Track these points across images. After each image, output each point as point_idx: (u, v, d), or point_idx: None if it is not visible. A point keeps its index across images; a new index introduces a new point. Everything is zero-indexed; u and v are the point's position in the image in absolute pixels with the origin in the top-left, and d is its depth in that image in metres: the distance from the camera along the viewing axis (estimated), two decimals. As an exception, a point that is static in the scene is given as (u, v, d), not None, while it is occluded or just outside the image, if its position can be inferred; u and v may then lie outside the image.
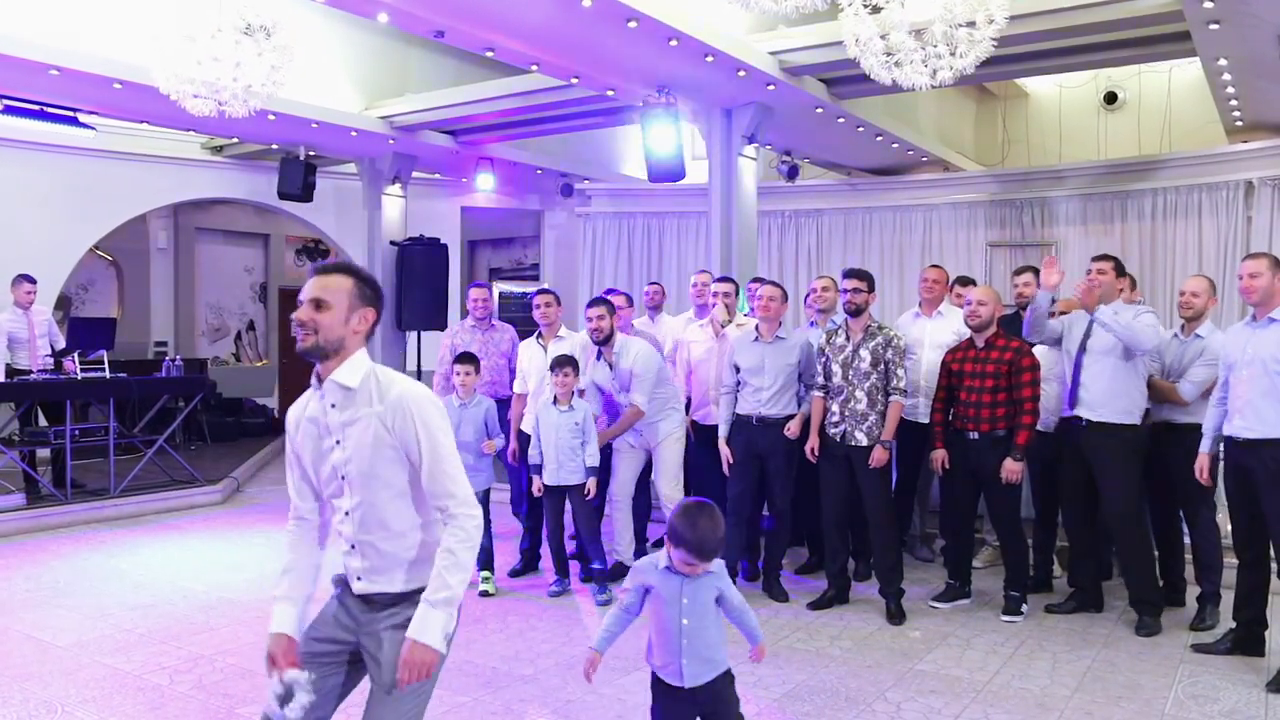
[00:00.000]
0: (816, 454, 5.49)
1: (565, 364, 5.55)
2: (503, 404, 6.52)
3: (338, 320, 2.44)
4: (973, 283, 7.05)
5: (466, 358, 5.72)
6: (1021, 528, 5.55)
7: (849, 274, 5.49)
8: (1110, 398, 5.11)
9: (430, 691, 2.51)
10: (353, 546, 2.51)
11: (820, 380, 5.51)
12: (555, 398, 5.56)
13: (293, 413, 2.59)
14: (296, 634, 2.56)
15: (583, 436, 5.55)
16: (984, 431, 5.30)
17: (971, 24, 5.18)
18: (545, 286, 6.55)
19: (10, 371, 8.27)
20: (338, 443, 2.47)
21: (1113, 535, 5.42)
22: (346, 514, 2.49)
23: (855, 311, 5.40)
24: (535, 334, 6.29)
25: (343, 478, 2.47)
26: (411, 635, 2.37)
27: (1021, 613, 5.34)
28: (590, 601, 5.68)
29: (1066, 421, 5.34)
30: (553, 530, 5.79)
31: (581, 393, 5.76)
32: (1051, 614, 5.41)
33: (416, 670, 2.36)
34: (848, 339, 5.43)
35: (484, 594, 5.72)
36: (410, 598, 2.49)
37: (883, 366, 5.33)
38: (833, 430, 5.44)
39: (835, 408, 5.42)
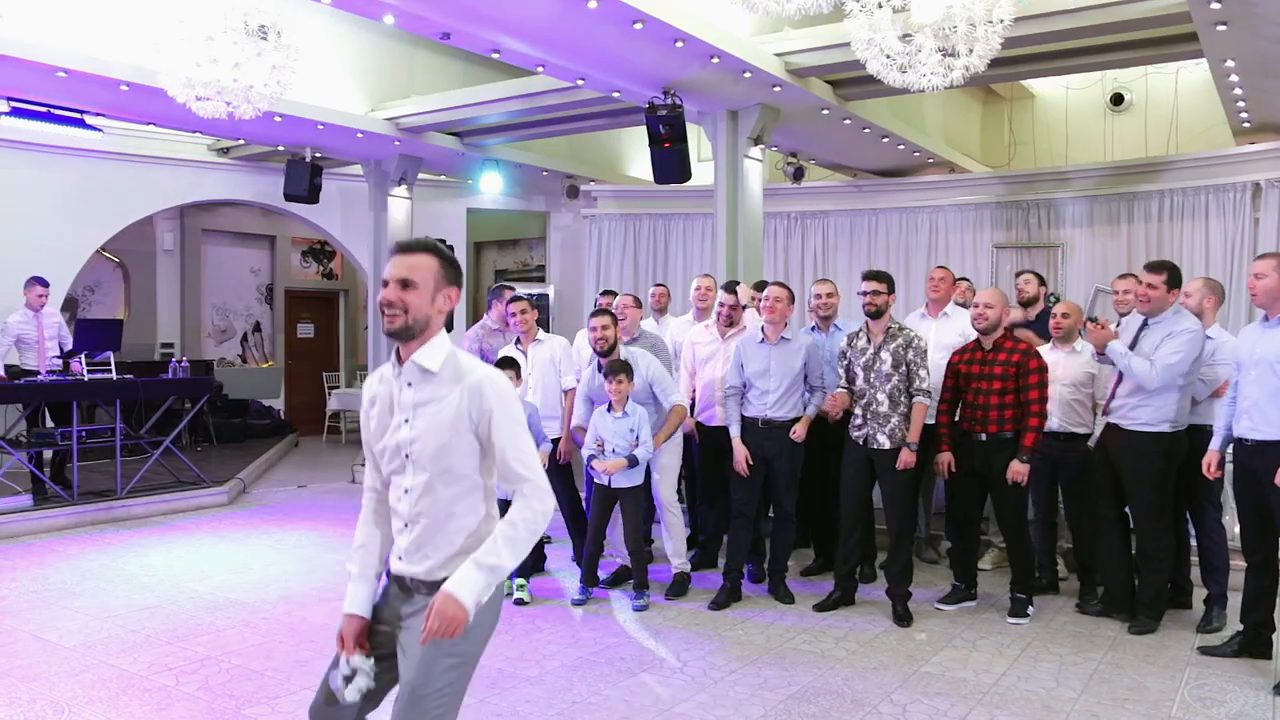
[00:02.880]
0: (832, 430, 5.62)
1: (618, 371, 5.51)
2: None
3: (425, 300, 2.42)
4: (968, 281, 7.09)
5: (508, 362, 5.67)
6: (1028, 530, 5.55)
7: (869, 275, 5.44)
8: (1142, 409, 5.07)
9: (457, 701, 2.45)
10: (405, 525, 2.51)
11: (843, 382, 5.52)
12: (610, 405, 5.55)
13: (368, 388, 2.59)
14: (367, 613, 2.56)
15: (637, 441, 5.53)
16: (992, 433, 5.30)
17: (987, 21, 5.18)
18: (518, 293, 6.49)
19: (17, 373, 8.30)
20: (406, 421, 2.47)
21: (1138, 537, 5.34)
22: (406, 491, 2.49)
23: (876, 314, 5.37)
24: (515, 341, 6.23)
25: (406, 456, 2.47)
26: (447, 588, 2.34)
27: (1028, 615, 5.34)
28: (612, 607, 5.69)
29: (1109, 427, 5.32)
30: (594, 534, 5.73)
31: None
32: (1086, 615, 5.43)
33: (442, 622, 2.30)
34: (869, 341, 5.40)
35: (519, 602, 5.64)
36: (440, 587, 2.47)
37: (904, 368, 5.31)
38: (855, 433, 5.43)
39: (858, 410, 5.41)
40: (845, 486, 5.52)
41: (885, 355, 5.31)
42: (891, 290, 5.42)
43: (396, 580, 2.57)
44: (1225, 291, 5.57)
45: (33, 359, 8.54)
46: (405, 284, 2.40)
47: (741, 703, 4.19)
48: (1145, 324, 5.15)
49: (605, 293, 7.25)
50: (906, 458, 5.26)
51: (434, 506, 2.47)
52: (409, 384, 2.46)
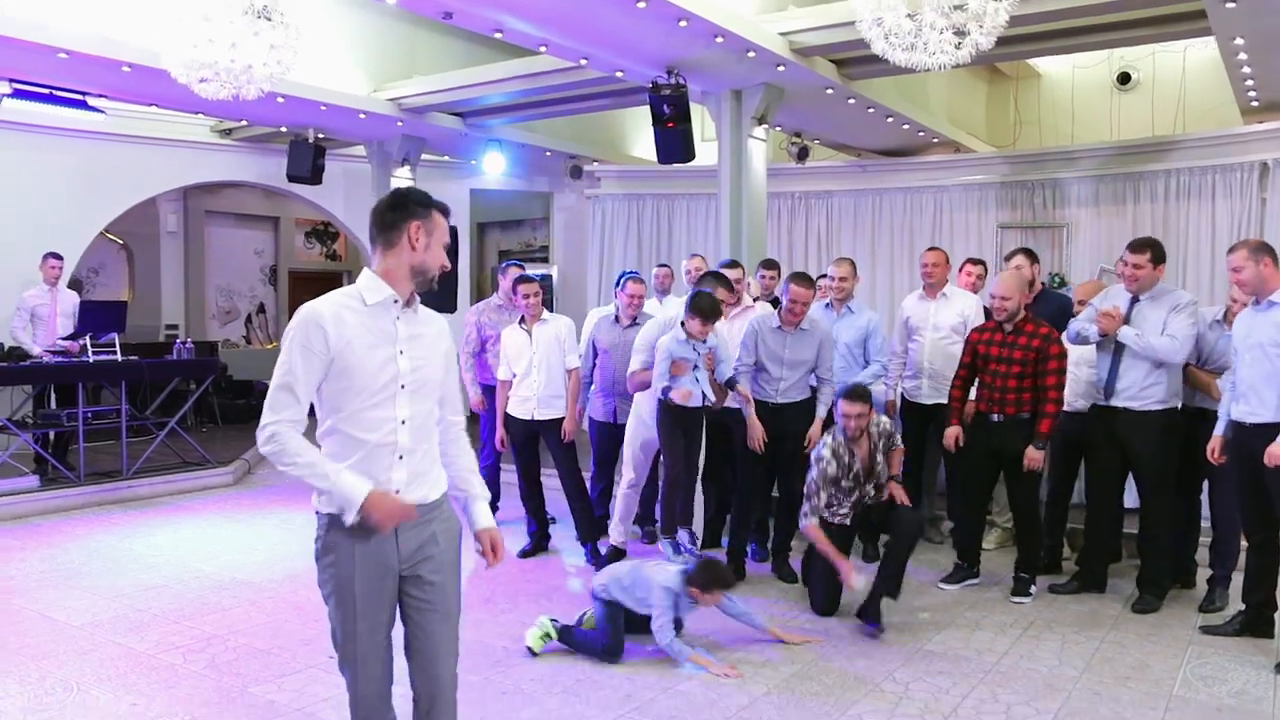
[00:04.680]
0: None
1: (703, 311, 5.16)
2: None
3: None
4: (983, 262, 7.03)
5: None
6: (1039, 512, 5.55)
7: (852, 396, 5.01)
8: (1149, 390, 5.09)
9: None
10: (402, 456, 2.60)
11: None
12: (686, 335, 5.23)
13: (325, 314, 2.52)
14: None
15: (717, 362, 5.35)
16: (1009, 415, 5.29)
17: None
18: (527, 274, 6.48)
19: (21, 355, 8.34)
20: (401, 353, 2.59)
21: (1143, 517, 5.34)
22: (402, 422, 2.59)
23: (858, 436, 5.05)
24: (519, 320, 6.19)
25: (402, 386, 2.59)
26: (488, 523, 2.84)
27: (1030, 594, 5.36)
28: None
29: (1102, 409, 5.30)
30: (677, 467, 5.40)
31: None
32: (1057, 594, 5.44)
33: (501, 549, 2.84)
34: (853, 455, 5.06)
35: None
36: (440, 504, 2.72)
37: (882, 456, 5.12)
38: (837, 519, 5.13)
39: (845, 507, 5.12)
40: (819, 576, 5.20)
41: (879, 459, 5.11)
42: (870, 408, 5.06)
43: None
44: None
45: (42, 335, 8.60)
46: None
47: (745, 681, 4.21)
48: (1135, 301, 5.16)
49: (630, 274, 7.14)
50: (899, 492, 5.12)
51: (429, 433, 2.70)
52: (397, 319, 2.61)
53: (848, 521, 5.15)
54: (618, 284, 6.48)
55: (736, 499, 5.88)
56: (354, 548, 2.56)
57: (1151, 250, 5.12)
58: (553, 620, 4.62)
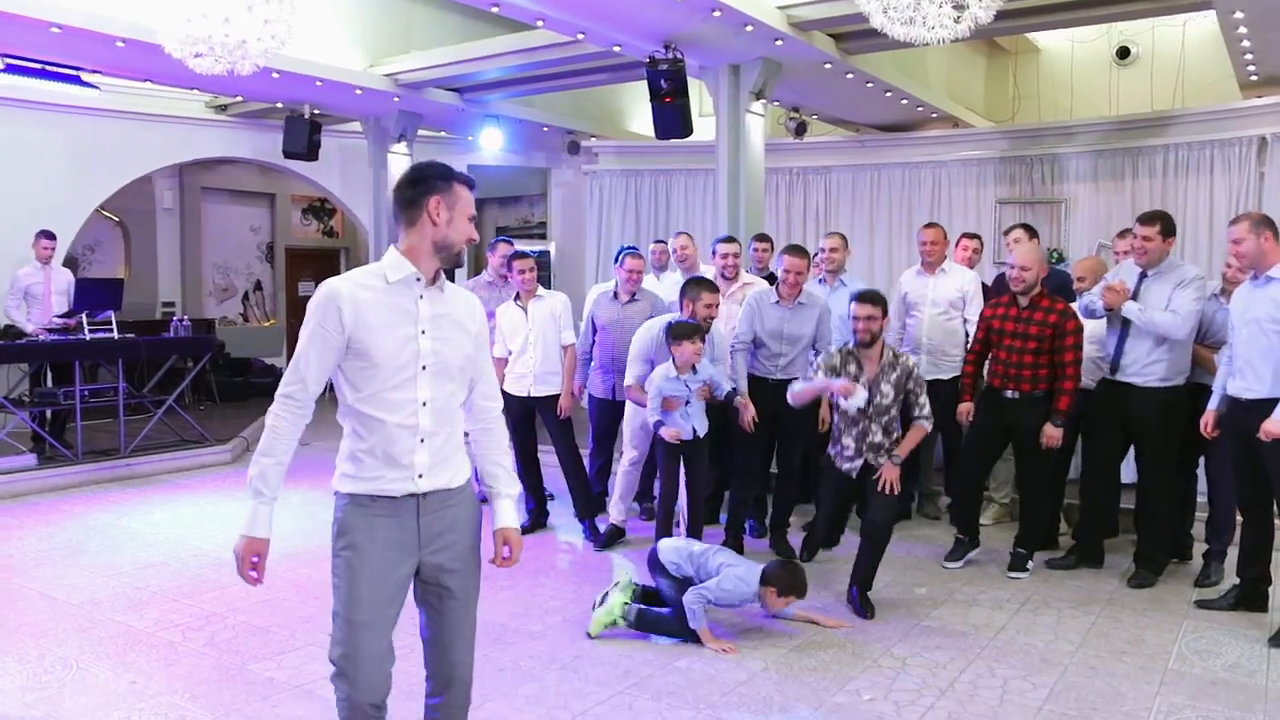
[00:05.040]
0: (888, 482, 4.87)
1: (685, 335, 5.10)
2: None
3: None
4: (978, 237, 7.00)
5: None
6: (1047, 490, 5.52)
7: (863, 298, 4.87)
8: (1155, 366, 5.07)
9: None
10: (423, 440, 2.54)
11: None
12: (676, 370, 5.18)
13: (343, 293, 2.48)
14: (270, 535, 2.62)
15: (713, 389, 5.27)
16: (1024, 391, 5.21)
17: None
18: (522, 250, 6.45)
19: (17, 333, 8.32)
20: (423, 332, 2.53)
21: (1142, 493, 5.35)
22: (424, 404, 2.54)
23: (870, 341, 4.86)
24: (514, 296, 6.16)
25: (424, 367, 2.53)
26: (505, 525, 2.74)
27: (1027, 569, 5.37)
28: (594, 554, 5.73)
29: (1110, 385, 5.27)
30: (669, 496, 5.36)
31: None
32: (1054, 569, 5.45)
33: (520, 550, 2.79)
34: (860, 367, 4.87)
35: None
36: (463, 491, 2.65)
37: (904, 398, 4.89)
38: (846, 465, 4.97)
39: (848, 442, 4.93)
40: (829, 499, 5.19)
41: (885, 388, 4.83)
42: (885, 313, 4.91)
43: (415, 500, 2.55)
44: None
45: (37, 314, 8.57)
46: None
47: (743, 656, 4.23)
48: (1143, 276, 5.13)
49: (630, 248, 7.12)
50: (889, 473, 4.80)
51: (452, 416, 2.62)
52: (420, 296, 2.55)
53: (854, 471, 4.92)
54: (616, 259, 6.46)
55: (735, 476, 5.89)
56: (374, 530, 2.51)
57: (1161, 222, 5.07)
58: (626, 604, 4.49)
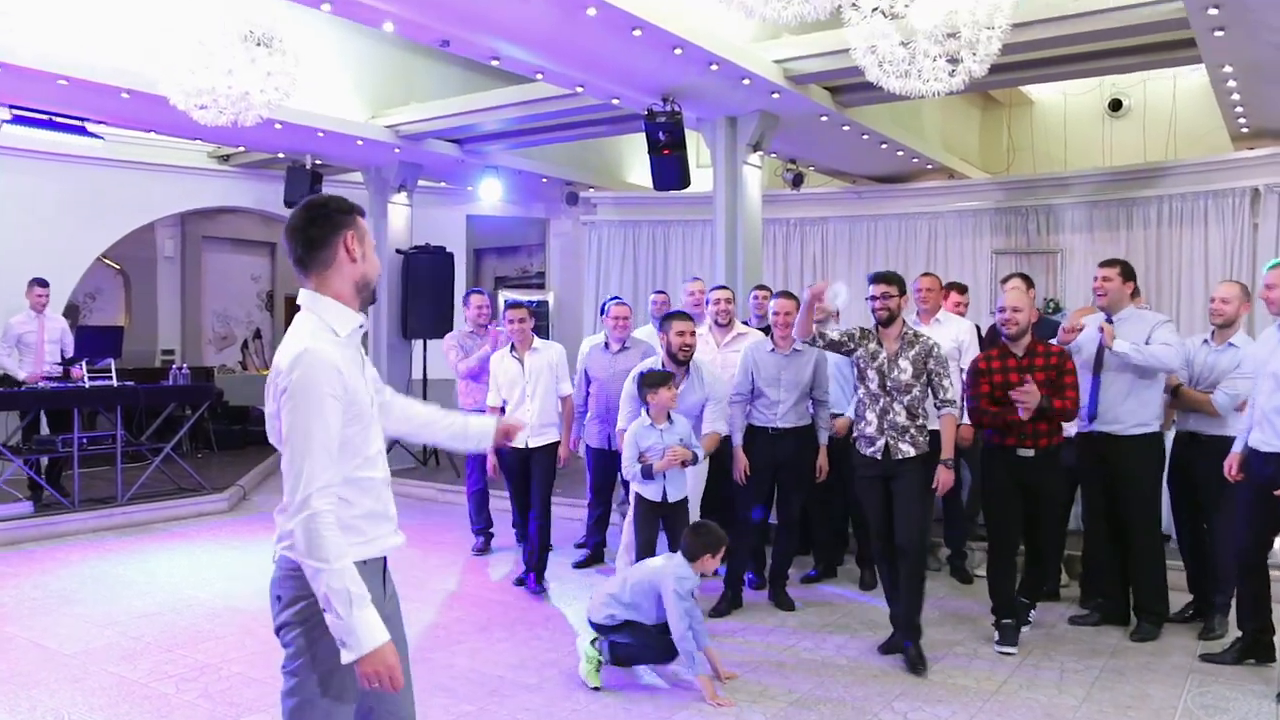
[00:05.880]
0: (942, 486, 4.86)
1: (657, 383, 5.08)
2: None
3: None
4: (965, 289, 7.02)
5: (664, 378, 5.20)
6: (1062, 545, 5.39)
7: (879, 277, 4.88)
8: (1130, 412, 5.08)
9: None
10: (386, 487, 2.43)
11: (856, 388, 5.02)
12: (650, 420, 5.11)
13: (330, 353, 2.26)
14: None
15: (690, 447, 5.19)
16: (1042, 447, 4.89)
17: (987, 27, 5.17)
18: (516, 299, 6.47)
19: (10, 382, 8.30)
20: (377, 390, 2.42)
21: (1130, 542, 5.26)
22: (379, 453, 2.42)
23: (888, 320, 4.83)
24: (509, 347, 6.12)
25: (374, 416, 2.41)
26: (489, 423, 2.85)
27: (1029, 623, 5.27)
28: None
29: (1087, 436, 5.26)
30: (643, 555, 5.17)
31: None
32: (1077, 625, 5.34)
33: (515, 431, 3.01)
34: (880, 345, 4.87)
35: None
36: None
37: (925, 378, 4.82)
38: (868, 448, 4.86)
39: (870, 417, 4.85)
40: (873, 516, 4.95)
41: (904, 364, 4.78)
42: (903, 291, 4.90)
43: (383, 560, 2.43)
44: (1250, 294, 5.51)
45: (30, 362, 8.53)
46: None
47: (742, 710, 4.17)
48: (1109, 321, 5.16)
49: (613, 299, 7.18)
50: (946, 477, 4.78)
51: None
52: (359, 342, 2.44)
53: (878, 454, 4.80)
54: (602, 311, 6.51)
55: (732, 527, 5.83)
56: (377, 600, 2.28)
57: (1120, 265, 5.21)
58: (593, 642, 4.50)
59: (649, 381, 5.12)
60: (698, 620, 4.43)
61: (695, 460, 5.15)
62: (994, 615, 5.04)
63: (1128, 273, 5.22)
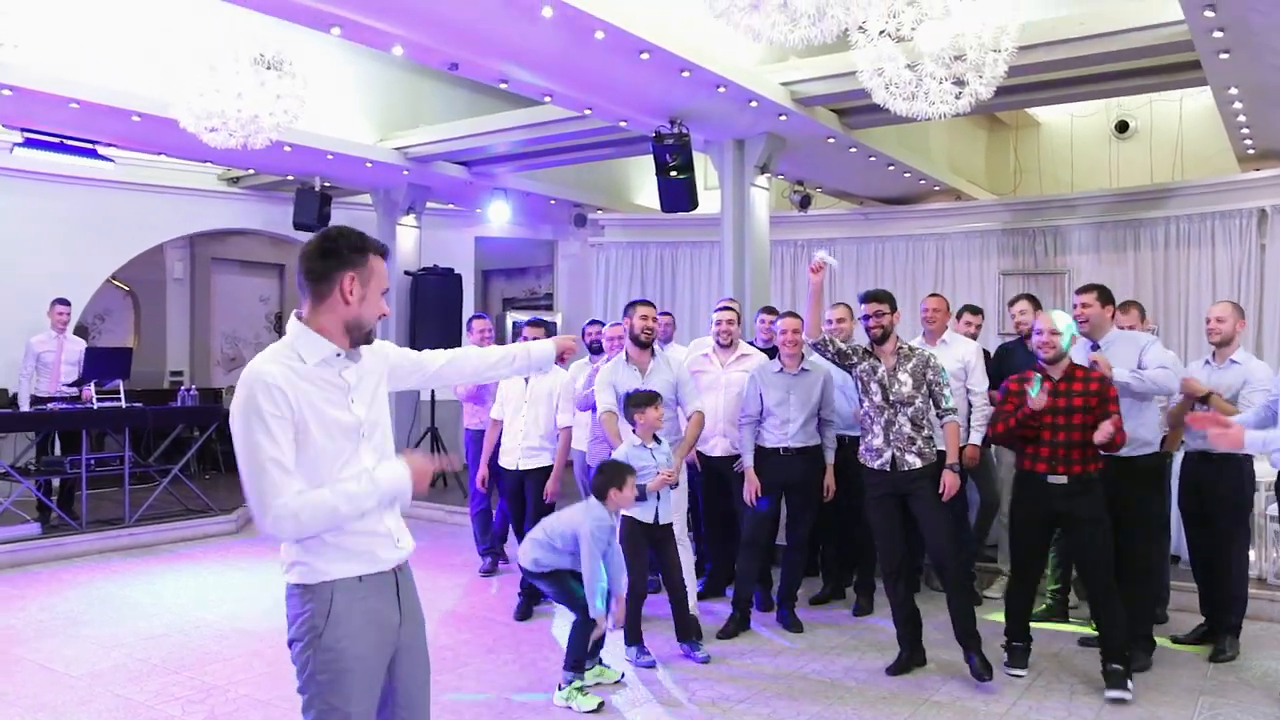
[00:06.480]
0: (948, 491, 4.86)
1: (644, 403, 5.10)
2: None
3: None
4: (980, 311, 6.99)
5: (649, 398, 5.22)
6: (1115, 582, 4.69)
7: (870, 296, 4.99)
8: (1131, 434, 5.04)
9: None
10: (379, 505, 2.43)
11: (858, 404, 5.10)
12: (640, 440, 5.12)
13: (278, 375, 2.27)
14: None
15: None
16: (1075, 474, 4.65)
17: (994, 50, 5.20)
18: (536, 318, 6.56)
19: (31, 401, 8.35)
20: (353, 401, 2.41)
21: (1143, 570, 5.12)
22: (373, 470, 2.43)
23: (882, 337, 4.93)
24: None
25: (362, 435, 2.41)
26: (550, 345, 3.00)
27: (1128, 689, 4.52)
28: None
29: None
30: (639, 582, 5.16)
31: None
32: (1086, 647, 5.24)
33: (573, 344, 3.11)
34: (879, 360, 4.93)
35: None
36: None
37: (925, 389, 4.90)
38: (876, 461, 4.90)
39: (876, 430, 4.90)
40: (882, 535, 4.94)
41: (903, 377, 4.87)
42: (894, 309, 4.98)
43: (393, 575, 2.47)
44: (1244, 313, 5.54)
45: (46, 382, 8.63)
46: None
47: (750, 733, 4.15)
48: (1095, 348, 5.11)
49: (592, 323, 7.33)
50: (951, 481, 4.83)
51: None
52: (344, 370, 2.41)
53: (888, 466, 4.83)
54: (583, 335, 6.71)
55: (740, 549, 5.82)
56: (362, 616, 2.35)
57: (1098, 290, 5.21)
58: (564, 683, 4.50)
59: (636, 401, 5.14)
60: (617, 566, 4.64)
61: (675, 485, 5.24)
62: (1005, 637, 4.99)
63: (1105, 296, 5.22)
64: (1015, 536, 5.04)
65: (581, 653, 4.55)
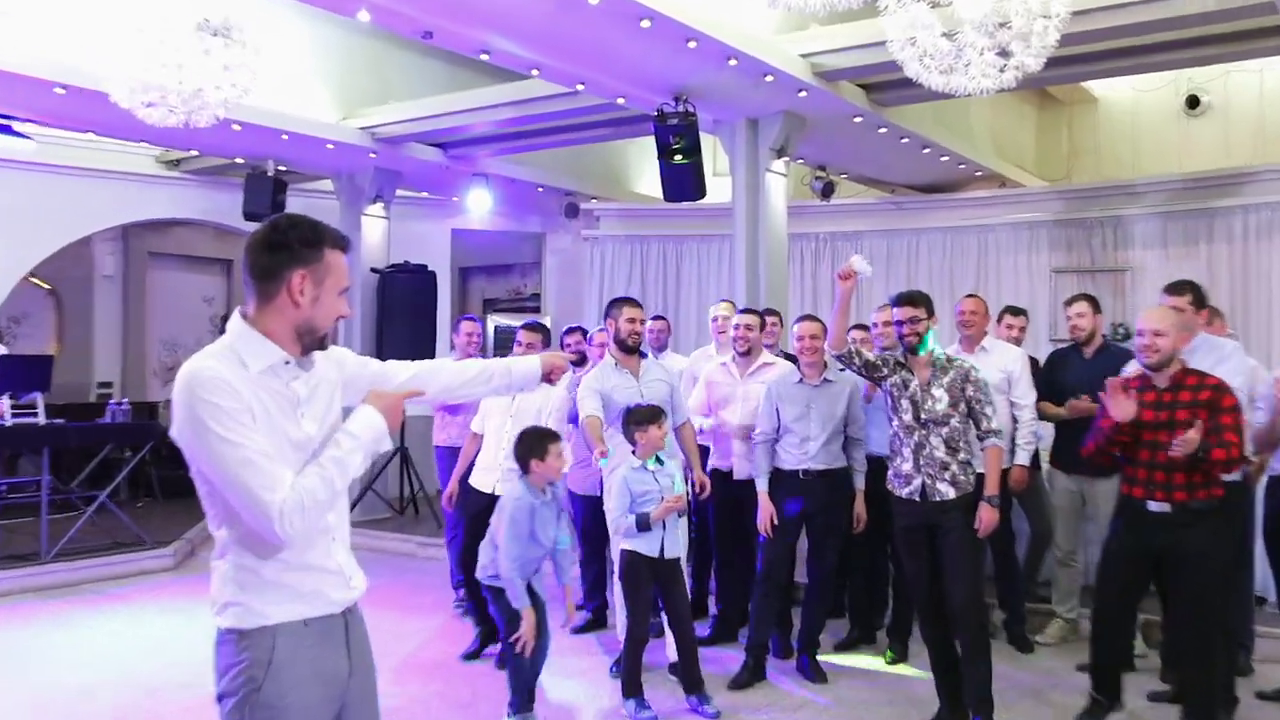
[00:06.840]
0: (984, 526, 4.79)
1: (646, 420, 5.08)
2: None
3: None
4: (1024, 313, 6.97)
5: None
6: (1220, 636, 4.55)
7: (903, 300, 4.95)
8: None
9: None
10: (334, 539, 2.44)
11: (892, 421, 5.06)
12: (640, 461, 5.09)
13: (223, 371, 2.25)
14: None
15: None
16: (1177, 501, 4.44)
17: (1044, 15, 5.19)
18: (534, 320, 6.58)
19: None
20: (302, 415, 2.37)
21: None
22: None
23: (916, 347, 4.91)
24: None
25: (313, 453, 2.36)
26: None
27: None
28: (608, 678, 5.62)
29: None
30: (642, 626, 5.14)
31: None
32: (1156, 703, 5.22)
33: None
34: (911, 373, 4.92)
35: None
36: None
37: (963, 407, 4.85)
38: (905, 489, 4.88)
39: (905, 454, 4.90)
40: (912, 573, 4.96)
41: (938, 393, 4.81)
42: (931, 313, 4.95)
43: (343, 619, 2.45)
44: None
45: None
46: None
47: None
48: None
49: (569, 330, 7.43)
50: (988, 516, 4.74)
51: (344, 505, 2.50)
52: (295, 378, 2.38)
53: (917, 495, 4.81)
54: (562, 344, 6.76)
55: (755, 586, 5.80)
56: (308, 667, 2.31)
57: (1192, 291, 5.13)
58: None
59: (638, 418, 5.09)
60: (565, 555, 4.83)
61: (685, 512, 5.29)
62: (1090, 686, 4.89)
63: (1199, 299, 5.17)
64: (1102, 570, 4.89)
65: (523, 680, 4.62)
